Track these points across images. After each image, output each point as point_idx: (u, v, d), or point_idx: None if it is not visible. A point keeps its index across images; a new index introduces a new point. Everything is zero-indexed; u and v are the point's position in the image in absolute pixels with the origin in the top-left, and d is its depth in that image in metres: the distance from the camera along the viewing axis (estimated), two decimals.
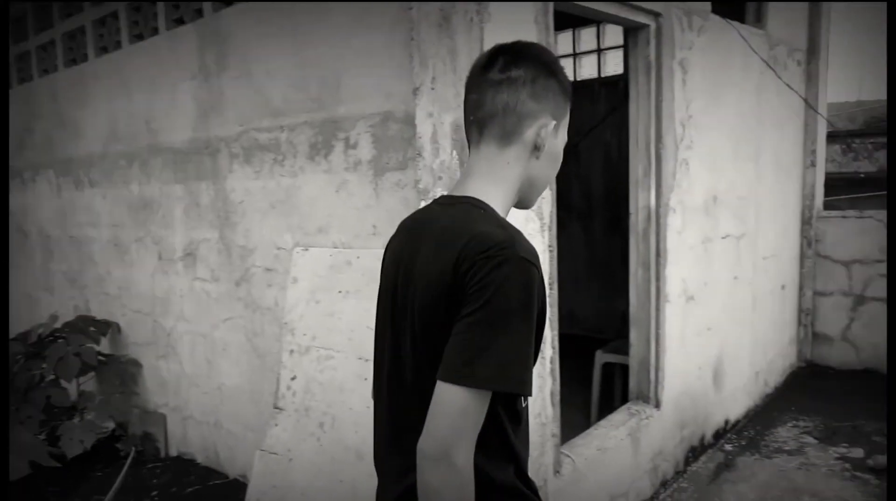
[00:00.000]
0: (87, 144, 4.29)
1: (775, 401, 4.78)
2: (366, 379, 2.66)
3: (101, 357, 4.14)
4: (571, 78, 6.06)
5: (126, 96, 3.84)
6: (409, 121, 2.39)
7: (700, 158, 3.56)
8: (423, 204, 2.38)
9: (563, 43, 6.20)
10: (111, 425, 4.22)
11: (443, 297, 1.10)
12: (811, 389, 5.01)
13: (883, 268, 5.02)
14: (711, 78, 3.59)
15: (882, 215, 5.03)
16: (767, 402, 4.76)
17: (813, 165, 5.12)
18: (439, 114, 2.26)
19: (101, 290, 4.52)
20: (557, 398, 2.74)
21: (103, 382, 4.22)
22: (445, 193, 1.32)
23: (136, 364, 4.33)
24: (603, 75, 5.91)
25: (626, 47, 5.12)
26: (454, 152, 2.24)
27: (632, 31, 3.15)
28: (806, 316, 5.36)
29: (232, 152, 3.25)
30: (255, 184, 3.15)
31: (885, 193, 8.13)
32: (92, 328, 4.21)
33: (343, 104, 2.67)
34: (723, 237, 3.93)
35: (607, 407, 3.85)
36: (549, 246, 2.58)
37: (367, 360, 2.66)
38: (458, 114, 2.20)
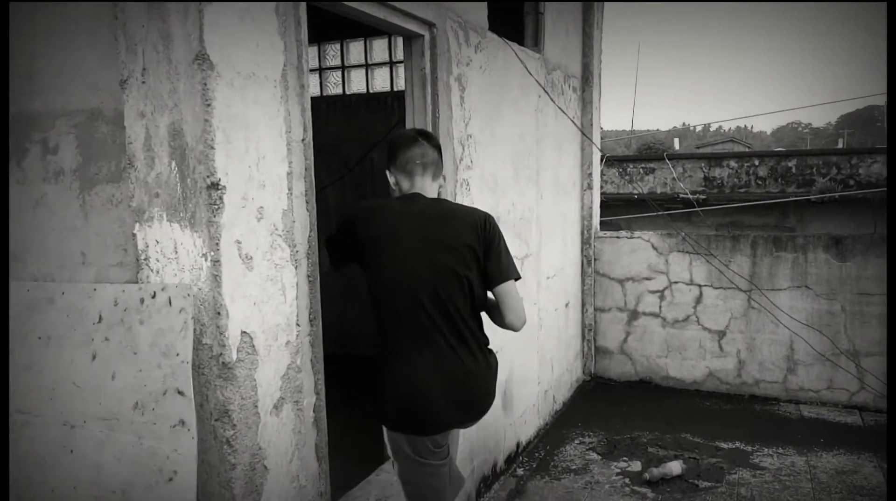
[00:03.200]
0: None
1: (564, 417, 4.87)
2: (72, 452, 2.07)
3: None
4: (341, 91, 6.04)
5: None
6: (122, 121, 1.89)
7: (481, 179, 3.44)
8: (145, 226, 1.90)
9: (331, 54, 6.04)
10: None
11: (476, 244, 2.08)
12: (595, 402, 5.21)
13: (650, 285, 5.40)
14: (490, 97, 3.51)
15: (648, 235, 5.42)
16: (557, 419, 4.84)
17: (590, 187, 5.38)
18: (153, 114, 1.80)
19: None
20: (325, 451, 2.36)
21: None
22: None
23: None
24: (371, 90, 5.89)
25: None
26: (173, 163, 1.79)
27: (407, 42, 2.93)
28: (589, 331, 5.59)
29: None
30: None
31: (654, 214, 8.98)
32: None
33: (38, 96, 2.08)
34: None
35: None
36: (309, 277, 2.22)
37: (73, 426, 2.07)
38: (178, 115, 1.77)
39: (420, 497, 2.23)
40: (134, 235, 1.91)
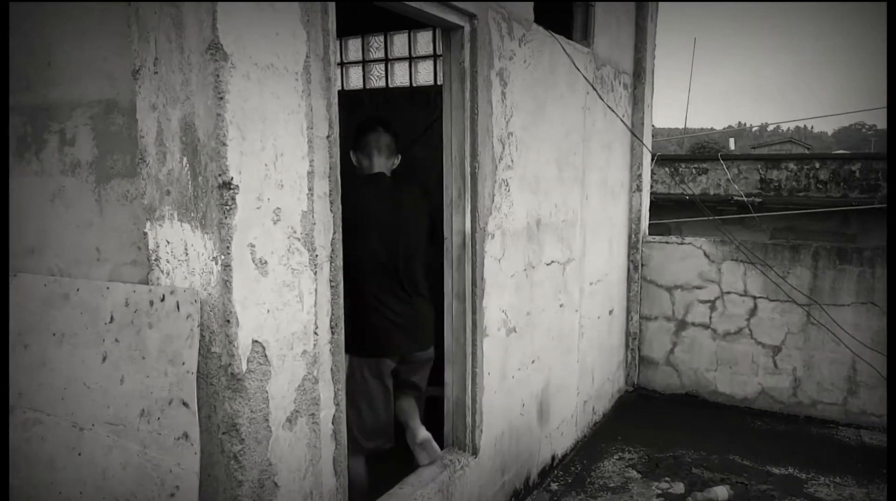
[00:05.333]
0: None
1: (603, 430, 4.65)
2: (80, 455, 2.00)
3: None
4: (384, 85, 5.93)
5: None
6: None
7: (522, 179, 3.26)
8: (155, 225, 1.80)
9: (375, 46, 5.91)
10: None
11: (428, 215, 2.93)
12: (637, 415, 4.96)
13: (700, 294, 5.10)
14: (534, 93, 3.31)
15: (700, 241, 5.12)
16: (595, 431, 4.62)
17: (639, 189, 5.11)
18: (165, 106, 1.69)
19: None
20: (343, 465, 2.24)
21: None
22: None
23: None
24: (415, 84, 5.73)
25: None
26: (185, 160, 1.68)
27: (445, 34, 2.77)
28: (633, 340, 5.34)
29: None
30: None
31: (706, 218, 8.57)
32: None
33: (55, 86, 2.01)
34: (547, 264, 3.68)
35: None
36: (332, 282, 2.08)
37: (81, 428, 2.00)
38: (190, 108, 1.65)
39: (367, 417, 2.82)
40: (145, 233, 1.81)
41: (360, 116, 5.81)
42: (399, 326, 2.78)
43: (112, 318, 1.95)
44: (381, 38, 5.94)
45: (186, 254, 1.73)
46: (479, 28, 2.76)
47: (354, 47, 6.05)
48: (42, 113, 2.06)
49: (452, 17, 2.63)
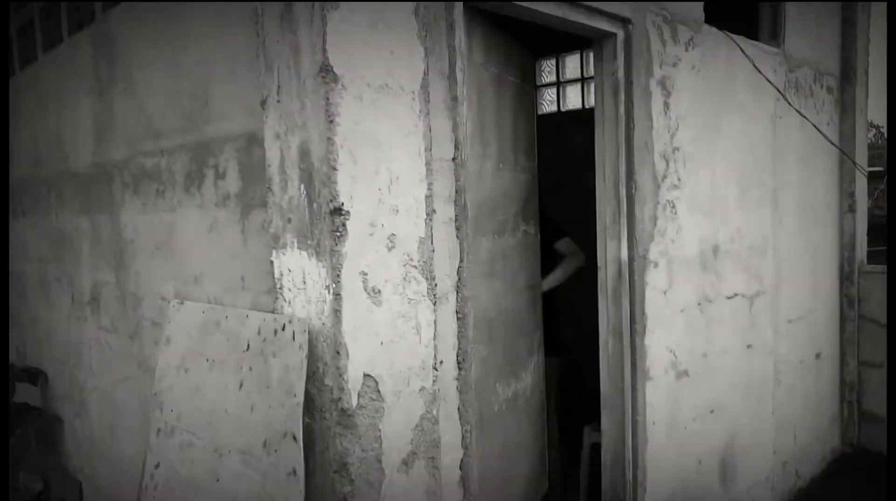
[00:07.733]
0: (19, 169, 3.92)
1: (809, 498, 3.90)
2: (218, 480, 2.06)
3: (33, 410, 3.76)
4: (556, 109, 5.70)
5: (42, 114, 3.45)
6: None
7: (692, 200, 2.86)
8: (279, 253, 1.81)
9: (547, 70, 5.73)
10: (39, 487, 3.79)
11: None
12: (856, 482, 4.10)
13: None
14: (707, 102, 2.91)
15: None
16: (799, 499, 3.89)
17: (852, 209, 4.29)
18: (286, 134, 1.69)
19: (33, 332, 4.10)
20: None
21: (32, 438, 3.80)
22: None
23: (59, 421, 3.87)
24: (587, 106, 5.42)
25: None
26: (302, 187, 1.66)
27: (596, 44, 2.54)
28: (850, 391, 4.46)
29: (123, 181, 2.77)
30: (143, 219, 2.65)
31: None
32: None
33: (212, 123, 2.14)
34: (729, 297, 3.19)
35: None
36: (458, 313, 1.95)
37: (221, 454, 2.05)
38: (305, 134, 1.63)
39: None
40: (272, 261, 1.82)
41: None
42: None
43: (248, 346, 1.99)
44: (553, 62, 5.81)
45: (304, 282, 1.70)
46: (635, 33, 2.49)
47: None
48: (203, 149, 2.21)
49: (602, 24, 2.39)
